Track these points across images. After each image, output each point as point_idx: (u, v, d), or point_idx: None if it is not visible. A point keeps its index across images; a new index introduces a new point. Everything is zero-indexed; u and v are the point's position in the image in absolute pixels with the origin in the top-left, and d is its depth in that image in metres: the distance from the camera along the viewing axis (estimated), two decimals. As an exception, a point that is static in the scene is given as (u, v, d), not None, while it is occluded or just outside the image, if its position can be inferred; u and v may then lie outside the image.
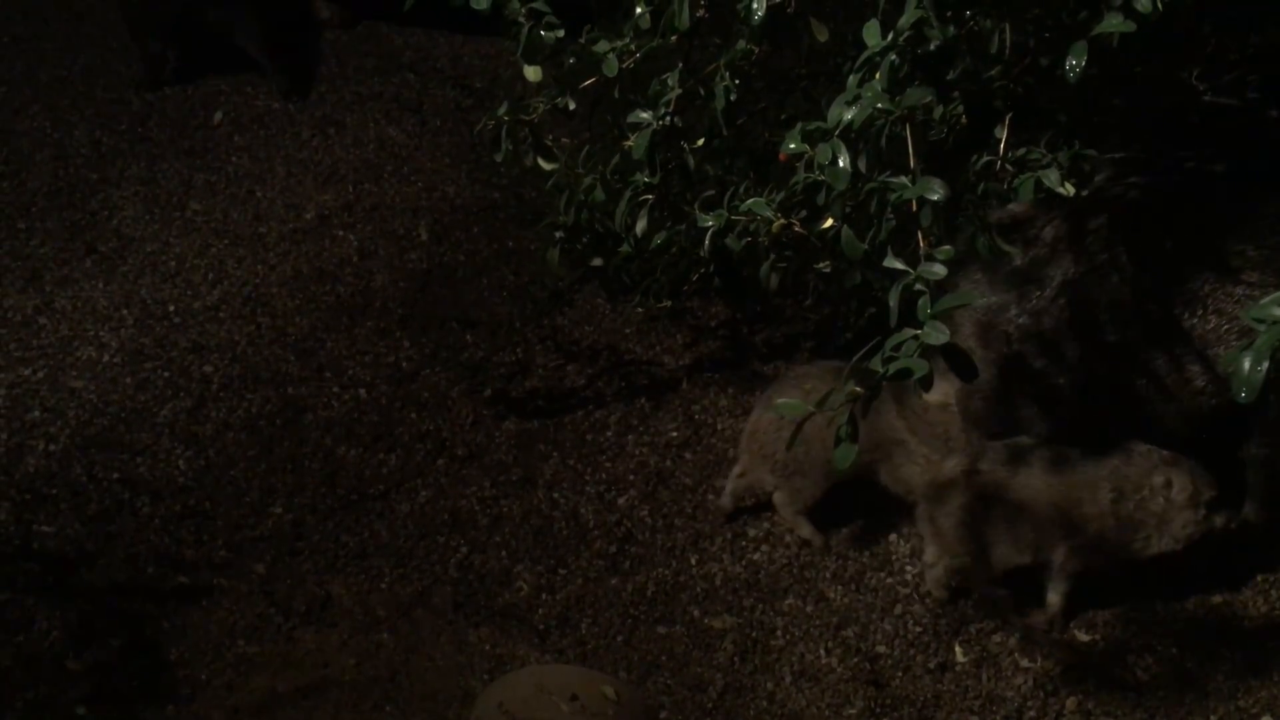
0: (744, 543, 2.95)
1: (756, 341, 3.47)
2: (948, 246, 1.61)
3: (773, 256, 1.97)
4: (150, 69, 4.38)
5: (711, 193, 2.02)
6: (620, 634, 2.74)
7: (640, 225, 2.11)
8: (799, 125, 1.74)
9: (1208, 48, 2.63)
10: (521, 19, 1.98)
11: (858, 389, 1.64)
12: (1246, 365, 1.35)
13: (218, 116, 4.29)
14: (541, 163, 2.17)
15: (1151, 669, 2.62)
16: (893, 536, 2.92)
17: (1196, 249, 2.42)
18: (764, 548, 2.93)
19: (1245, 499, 2.73)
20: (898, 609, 2.76)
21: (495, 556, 2.92)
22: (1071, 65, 1.66)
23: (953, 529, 2.64)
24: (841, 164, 1.66)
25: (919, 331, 1.60)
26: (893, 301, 1.67)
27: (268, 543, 2.93)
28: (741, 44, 1.94)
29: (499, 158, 2.17)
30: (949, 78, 1.77)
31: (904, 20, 1.66)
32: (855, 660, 2.66)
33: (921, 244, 1.64)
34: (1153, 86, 2.62)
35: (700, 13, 1.80)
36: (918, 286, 1.61)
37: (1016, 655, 2.66)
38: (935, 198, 1.61)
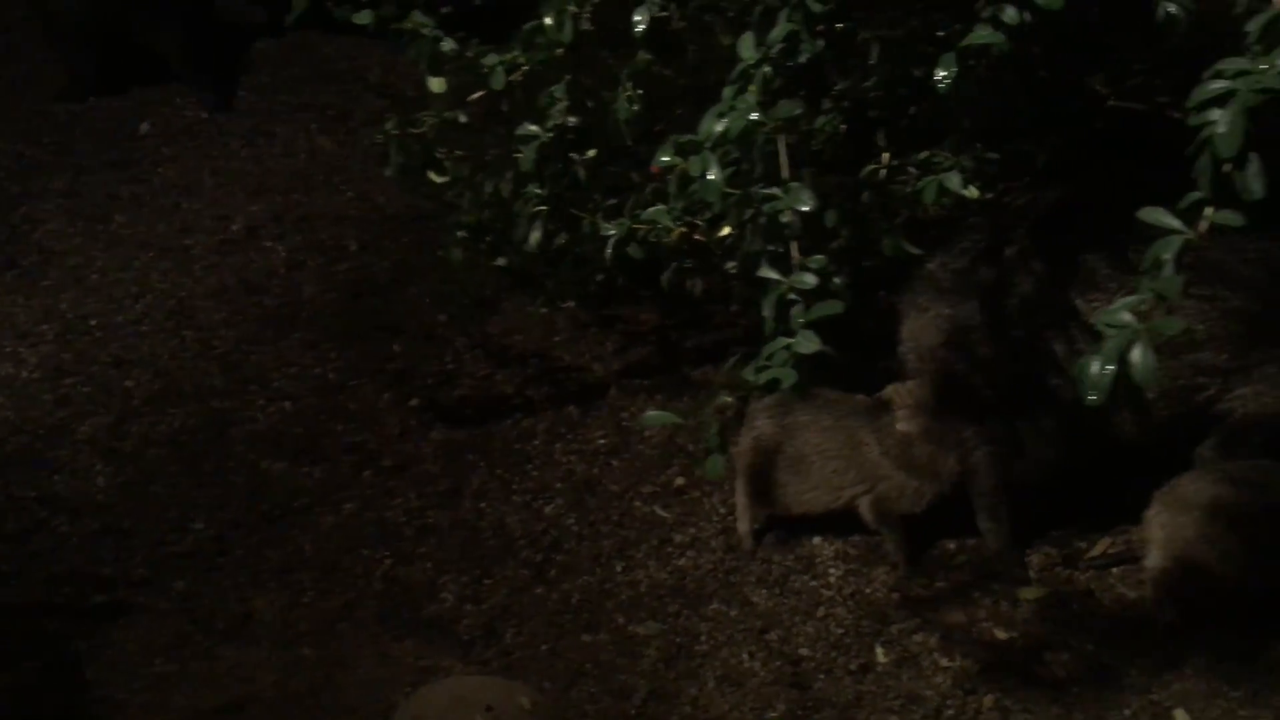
0: (670, 549, 2.95)
1: (687, 347, 3.49)
2: (820, 256, 1.64)
3: (674, 264, 1.98)
4: (74, 80, 4.33)
5: (614, 201, 2.03)
6: (545, 643, 2.74)
7: (534, 237, 2.11)
8: (671, 138, 1.75)
9: (1114, 54, 2.69)
10: (424, 30, 1.98)
11: (729, 399, 1.66)
12: (1095, 368, 1.39)
13: (144, 127, 4.25)
14: (433, 176, 2.17)
15: (1068, 665, 2.66)
16: (816, 539, 2.93)
17: (1104, 251, 2.47)
18: (690, 553, 2.94)
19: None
20: (820, 611, 2.78)
21: (421, 568, 2.91)
22: (942, 76, 1.69)
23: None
24: (711, 176, 1.68)
25: (791, 340, 1.62)
26: (766, 311, 1.69)
27: (189, 559, 2.90)
28: (643, 55, 1.95)
29: (389, 172, 2.17)
30: (834, 89, 1.79)
31: (775, 33, 1.68)
32: (778, 664, 2.67)
33: (795, 254, 1.65)
34: (1062, 93, 2.67)
35: (586, 25, 1.81)
36: (790, 295, 1.63)
37: (937, 655, 2.69)
38: (805, 208, 1.63)
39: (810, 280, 1.63)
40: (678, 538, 2.98)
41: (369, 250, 3.79)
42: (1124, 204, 2.59)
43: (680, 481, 3.12)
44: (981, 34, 1.67)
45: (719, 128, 1.65)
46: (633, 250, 1.98)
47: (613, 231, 1.97)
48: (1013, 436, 2.68)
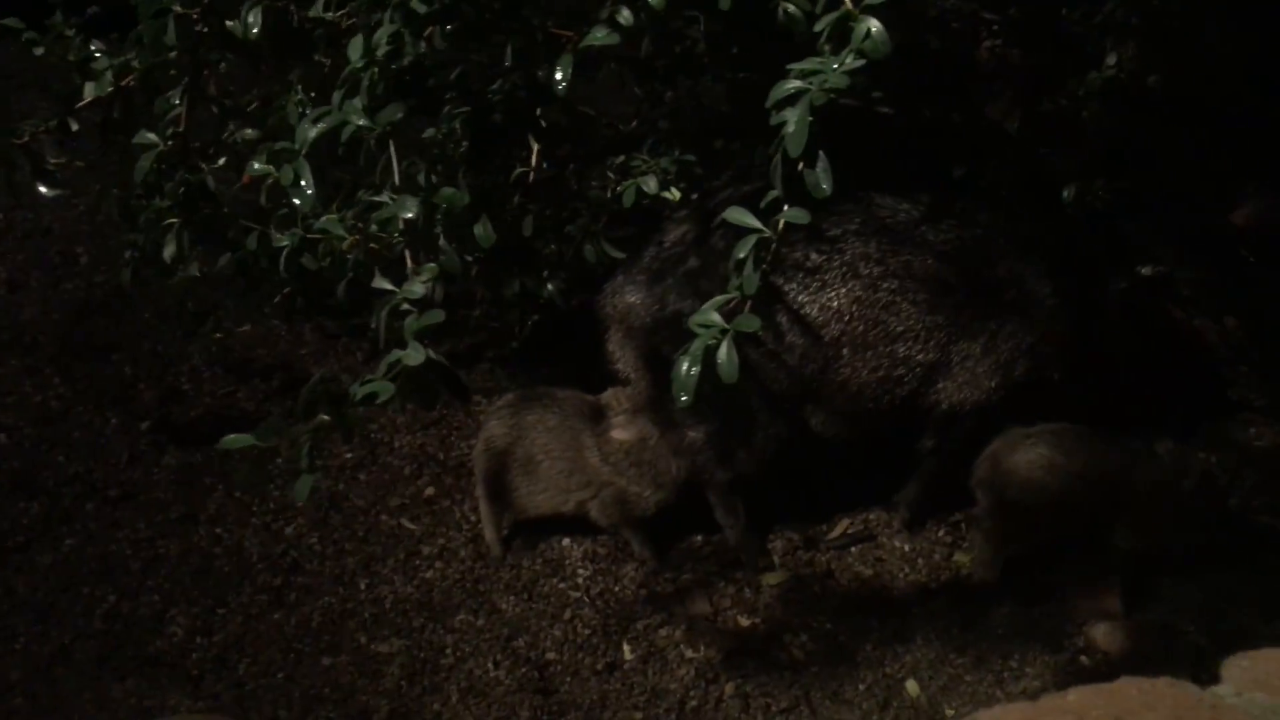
0: (418, 562, 2.88)
1: (439, 354, 3.41)
2: (432, 264, 1.61)
3: (351, 274, 1.92)
4: None
5: (285, 211, 1.95)
6: (281, 670, 2.62)
7: (169, 250, 2.00)
8: (264, 146, 1.69)
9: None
10: (69, 33, 1.84)
11: (324, 418, 1.61)
12: (684, 368, 1.40)
13: None
14: (43, 189, 2.03)
15: (807, 646, 2.72)
16: (566, 541, 2.92)
17: (804, 240, 2.55)
18: (438, 564, 2.88)
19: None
20: (568, 614, 2.76)
21: (148, 602, 2.74)
22: (558, 77, 1.69)
23: None
24: (304, 184, 1.62)
25: (404, 353, 1.58)
26: (378, 323, 1.65)
27: (-119, 613, 2.65)
28: (319, 57, 1.88)
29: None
30: (449, 93, 1.76)
31: (379, 35, 1.64)
32: (524, 670, 2.64)
33: (409, 263, 1.62)
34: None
35: (199, 28, 1.72)
36: (404, 306, 1.59)
37: (682, 647, 2.71)
38: (409, 215, 1.60)
39: (419, 290, 1.59)
40: (426, 549, 2.91)
41: (101, 266, 3.56)
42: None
43: (430, 491, 3.05)
44: (598, 35, 1.67)
45: (313, 134, 1.60)
46: (307, 261, 1.90)
47: (285, 243, 1.89)
48: (733, 433, 2.72)
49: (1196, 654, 2.64)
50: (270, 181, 1.64)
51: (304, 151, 1.61)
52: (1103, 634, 2.71)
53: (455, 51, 1.76)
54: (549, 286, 2.44)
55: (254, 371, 3.31)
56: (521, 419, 2.75)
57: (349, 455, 3.11)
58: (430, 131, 1.82)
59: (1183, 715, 1.18)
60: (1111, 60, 2.57)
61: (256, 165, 1.65)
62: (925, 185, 2.72)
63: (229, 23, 1.64)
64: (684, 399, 1.43)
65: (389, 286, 1.60)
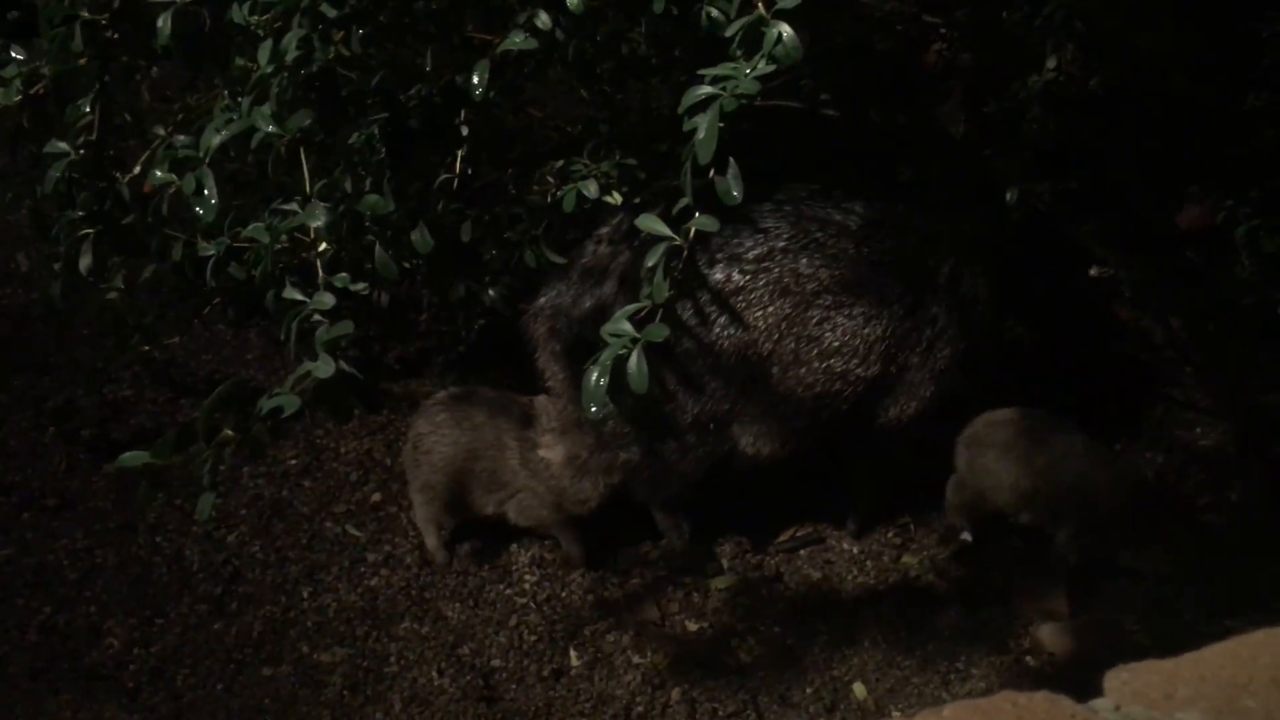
0: (362, 569, 2.84)
1: (389, 359, 3.38)
2: (345, 274, 1.58)
3: (286, 283, 1.87)
4: None
5: (210, 220, 1.91)
6: (220, 682, 2.58)
7: (84, 262, 1.96)
8: (165, 153, 1.66)
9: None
10: (-32, 39, 1.80)
11: (230, 434, 1.58)
12: (593, 379, 1.39)
13: None
14: None
15: (755, 650, 2.71)
16: (514, 546, 2.89)
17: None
18: (383, 572, 2.84)
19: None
20: (514, 620, 2.74)
21: (84, 613, 2.69)
22: (475, 83, 1.67)
23: None
24: (206, 193, 1.59)
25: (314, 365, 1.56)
26: (287, 334, 1.62)
27: None
28: (240, 60, 1.84)
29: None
30: (370, 99, 1.74)
31: (287, 40, 1.61)
32: (469, 678, 2.61)
33: (320, 271, 1.59)
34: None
35: (109, 34, 1.68)
36: (316, 318, 1.57)
37: (629, 652, 2.69)
38: (318, 224, 1.57)
39: (329, 300, 1.57)
40: (371, 557, 2.87)
41: (41, 273, 3.49)
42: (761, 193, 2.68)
43: (377, 497, 3.01)
44: (516, 40, 1.65)
45: (217, 140, 1.57)
46: (235, 270, 1.87)
47: (211, 251, 1.85)
48: (663, 454, 2.70)
49: (1140, 655, 2.64)
50: (172, 190, 1.60)
51: (207, 159, 1.57)
52: (1048, 635, 2.72)
53: (369, 57, 1.73)
54: (491, 292, 2.41)
55: (198, 380, 3.26)
56: (449, 418, 2.73)
57: (293, 461, 3.07)
58: (355, 136, 1.79)
59: (1054, 732, 1.16)
60: (1051, 63, 2.58)
61: (159, 173, 1.61)
62: (866, 188, 2.71)
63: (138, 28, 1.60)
64: (594, 410, 1.41)
65: (300, 297, 1.57)
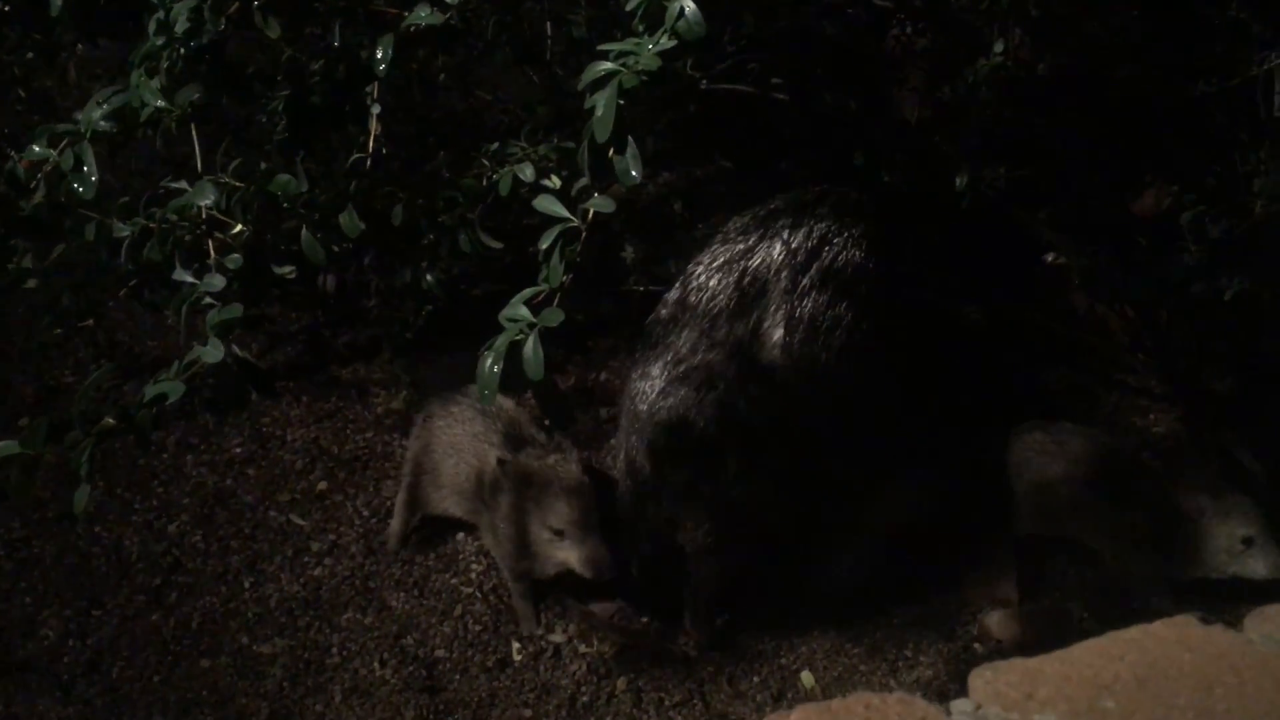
0: (306, 559, 2.80)
1: (339, 345, 3.33)
2: (236, 255, 1.54)
3: (195, 267, 1.82)
4: None
5: (126, 199, 1.85)
6: (158, 674, 2.53)
7: None
8: (43, 128, 1.60)
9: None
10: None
11: (110, 421, 1.53)
12: (487, 365, 1.35)
13: None
14: None
15: (702, 640, 2.69)
16: (460, 535, 2.86)
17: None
18: (327, 561, 2.80)
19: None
20: (459, 610, 2.71)
21: (19, 604, 2.64)
22: (379, 58, 1.63)
23: None
24: (86, 170, 1.54)
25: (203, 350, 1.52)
26: (179, 319, 1.58)
27: None
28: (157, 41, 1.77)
29: None
30: (278, 74, 1.69)
31: (176, 11, 1.56)
32: (411, 668, 2.58)
33: (211, 252, 1.55)
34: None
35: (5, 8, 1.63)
36: (206, 301, 1.53)
37: (576, 642, 2.67)
38: (206, 202, 1.53)
39: (219, 282, 1.53)
40: (315, 546, 2.83)
41: (-18, 257, 3.42)
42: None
43: (323, 486, 2.97)
44: (421, 14, 1.61)
45: (98, 114, 1.52)
46: (151, 252, 1.81)
47: (126, 232, 1.80)
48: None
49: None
50: (49, 167, 1.55)
51: (89, 135, 1.52)
52: (996, 621, 2.70)
53: (269, 31, 1.68)
54: (429, 277, 2.37)
55: (143, 365, 3.20)
56: (442, 414, 2.72)
57: (238, 450, 3.03)
58: (262, 114, 1.74)
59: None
60: (999, 47, 2.55)
61: (36, 149, 1.56)
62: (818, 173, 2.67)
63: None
64: (486, 396, 1.38)
65: (189, 279, 1.53)
